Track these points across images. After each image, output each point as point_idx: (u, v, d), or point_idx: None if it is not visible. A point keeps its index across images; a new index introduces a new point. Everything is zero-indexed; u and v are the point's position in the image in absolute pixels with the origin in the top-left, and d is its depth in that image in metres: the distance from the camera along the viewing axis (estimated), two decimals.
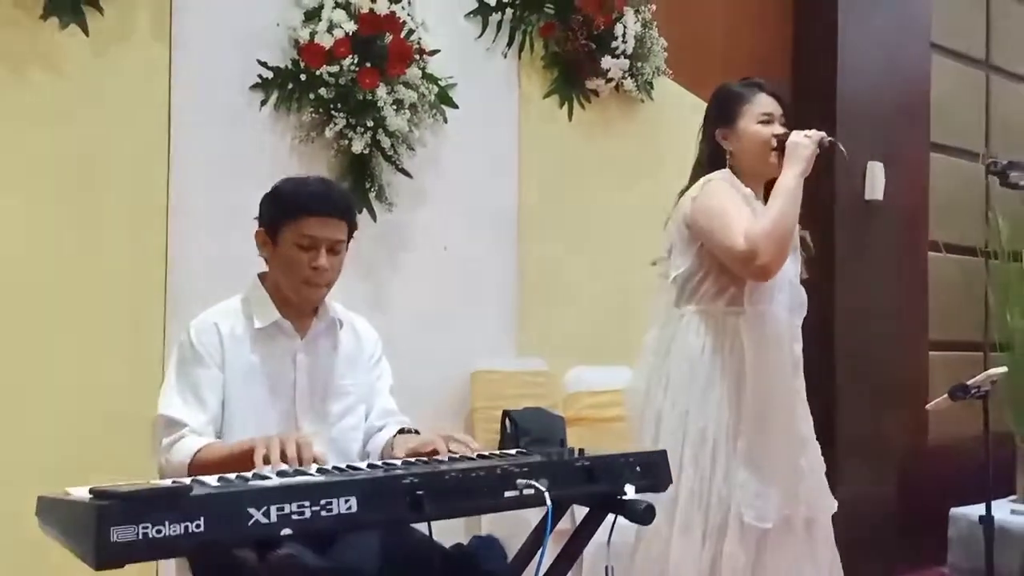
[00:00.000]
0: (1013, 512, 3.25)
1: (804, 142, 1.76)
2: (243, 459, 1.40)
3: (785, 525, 1.79)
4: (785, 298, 1.81)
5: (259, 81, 2.48)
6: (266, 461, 1.35)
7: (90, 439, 2.12)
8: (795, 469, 1.79)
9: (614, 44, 3.01)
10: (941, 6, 3.97)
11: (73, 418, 2.14)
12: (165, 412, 1.59)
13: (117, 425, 2.11)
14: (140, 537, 1.02)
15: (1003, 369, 2.30)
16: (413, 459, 1.47)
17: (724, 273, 1.80)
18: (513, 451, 1.55)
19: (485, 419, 2.71)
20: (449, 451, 1.53)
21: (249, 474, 1.28)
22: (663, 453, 1.48)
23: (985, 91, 4.26)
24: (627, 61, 3.05)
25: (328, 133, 2.51)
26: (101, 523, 1.00)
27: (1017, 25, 4.38)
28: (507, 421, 2.65)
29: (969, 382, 2.17)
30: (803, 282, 1.91)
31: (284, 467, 1.31)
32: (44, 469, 1.95)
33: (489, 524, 2.60)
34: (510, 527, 2.38)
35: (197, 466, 1.49)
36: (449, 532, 2.39)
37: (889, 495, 3.66)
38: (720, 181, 1.81)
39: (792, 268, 1.84)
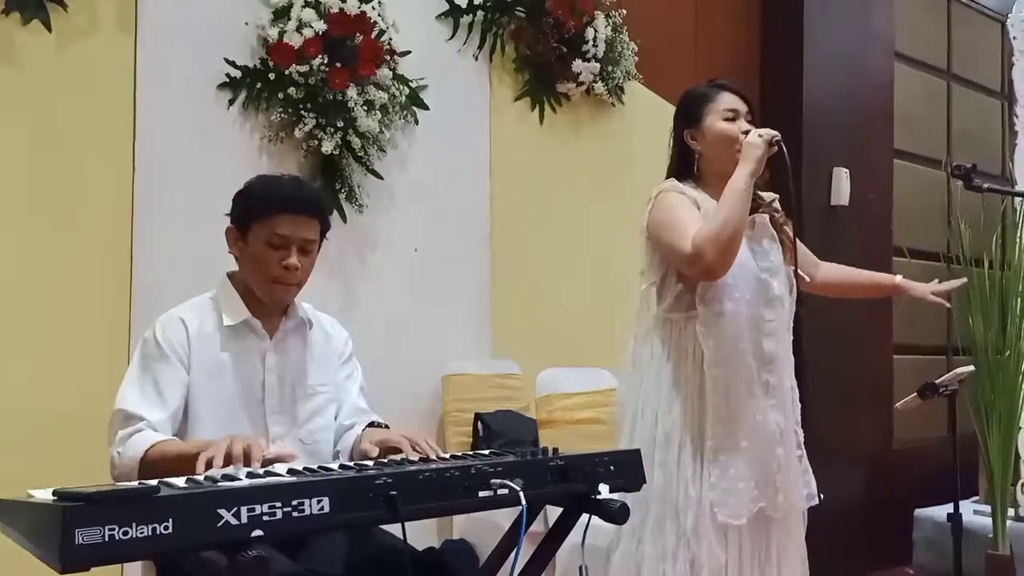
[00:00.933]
0: (976, 512, 3.32)
1: (756, 142, 1.77)
2: (195, 459, 1.37)
3: (761, 518, 1.80)
4: (750, 294, 1.81)
5: (227, 80, 2.45)
6: (209, 465, 1.32)
7: (53, 440, 2.07)
8: (768, 461, 1.80)
9: (585, 48, 3.03)
10: (904, 16, 4.06)
11: (35, 419, 2.09)
12: (122, 406, 1.55)
13: (81, 426, 2.05)
14: (106, 539, 0.99)
15: (970, 368, 2.35)
16: (386, 459, 1.46)
17: (681, 279, 1.82)
18: (486, 452, 1.54)
19: (456, 422, 2.70)
20: (415, 451, 1.51)
21: (218, 475, 1.25)
22: (636, 452, 1.49)
23: (947, 100, 4.36)
24: (598, 65, 3.07)
25: (297, 133, 2.49)
26: (66, 525, 0.97)
27: (977, 36, 4.49)
28: (479, 424, 2.64)
29: (937, 381, 2.22)
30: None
31: (227, 471, 1.28)
32: (4, 471, 1.89)
33: (461, 528, 2.59)
34: (482, 531, 2.37)
35: (149, 462, 1.46)
36: (422, 536, 2.38)
37: (855, 497, 3.70)
38: (668, 191, 1.84)
39: (759, 261, 1.84)
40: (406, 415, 2.55)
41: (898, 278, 2.10)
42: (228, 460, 1.34)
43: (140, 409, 1.53)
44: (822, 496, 1.92)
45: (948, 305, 2.09)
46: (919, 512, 3.41)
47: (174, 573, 1.50)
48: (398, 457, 1.51)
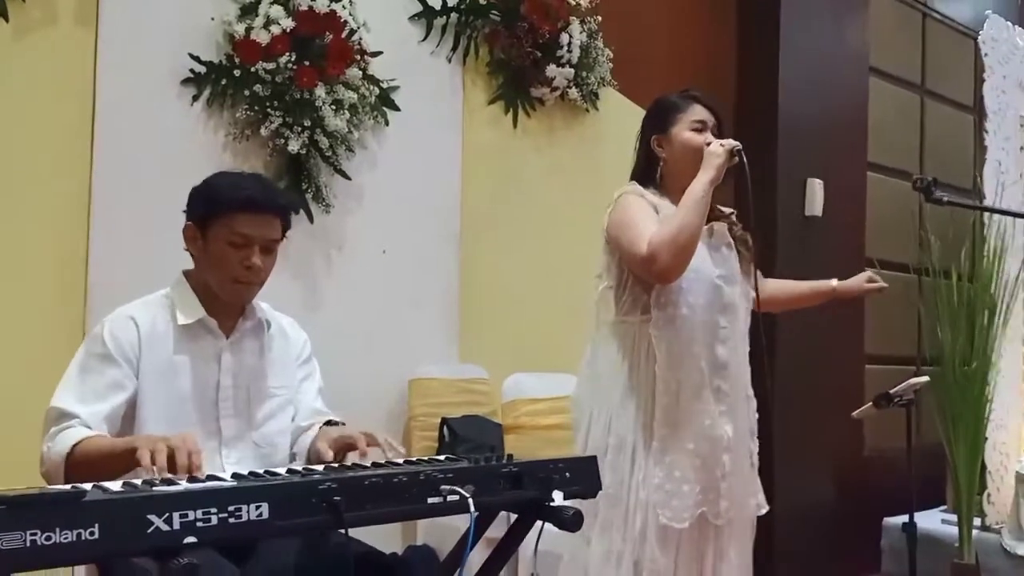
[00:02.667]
0: (943, 522, 3.33)
1: (717, 151, 1.78)
2: (124, 457, 1.33)
3: (703, 524, 1.79)
4: (704, 299, 1.81)
5: (191, 76, 2.40)
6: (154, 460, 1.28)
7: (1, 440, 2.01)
8: (713, 466, 1.80)
9: (559, 53, 3.02)
10: (879, 31, 4.10)
11: None
12: (56, 403, 1.50)
13: (30, 427, 1.99)
14: (27, 544, 0.95)
15: (924, 379, 2.36)
16: (336, 464, 1.42)
17: (638, 283, 1.82)
18: (442, 457, 1.51)
19: (423, 427, 2.66)
20: (369, 444, 1.47)
21: (157, 479, 1.21)
22: (592, 459, 1.46)
23: (920, 114, 4.40)
24: (572, 70, 3.06)
25: (263, 131, 2.45)
26: None
27: (950, 51, 4.54)
28: (445, 429, 2.60)
29: (892, 391, 2.22)
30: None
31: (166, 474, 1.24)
32: None
33: (425, 533, 2.55)
34: (447, 536, 2.33)
35: (76, 458, 1.41)
36: (386, 540, 2.34)
37: (825, 504, 3.71)
38: (630, 194, 1.85)
39: (716, 267, 1.84)
40: (372, 418, 2.51)
41: (833, 282, 2.09)
42: (171, 470, 1.29)
43: (74, 406, 1.48)
44: (767, 508, 1.92)
45: (885, 285, 2.08)
46: (887, 520, 3.42)
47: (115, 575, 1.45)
48: (352, 457, 1.48)
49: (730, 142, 1.79)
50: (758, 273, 1.94)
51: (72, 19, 2.23)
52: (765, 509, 1.92)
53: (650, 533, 1.73)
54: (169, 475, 1.25)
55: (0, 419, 2.05)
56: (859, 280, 2.09)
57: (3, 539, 0.94)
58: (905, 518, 2.33)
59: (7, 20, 2.13)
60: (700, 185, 1.75)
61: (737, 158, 1.78)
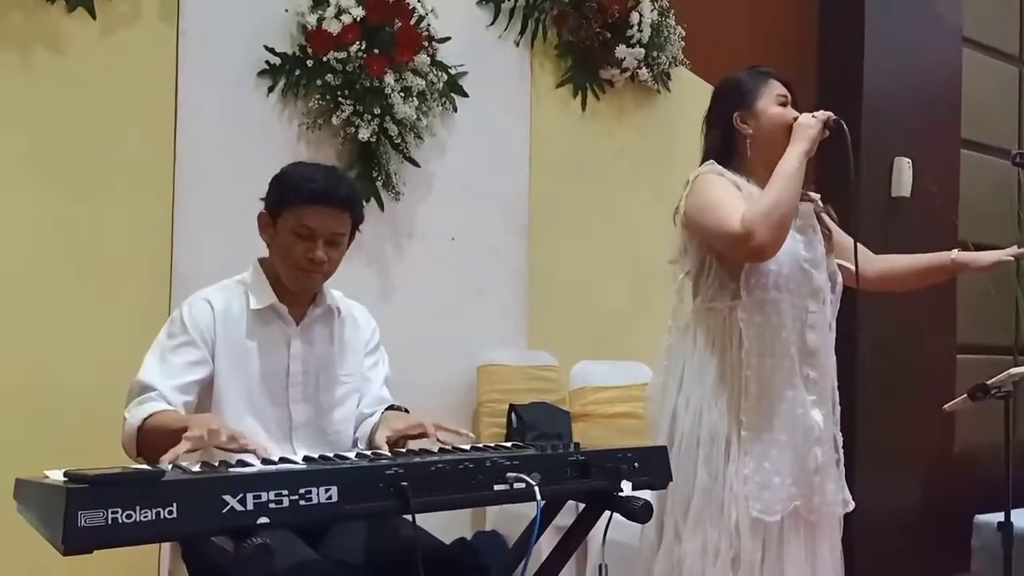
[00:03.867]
0: None
1: (810, 122, 1.71)
2: (179, 434, 1.35)
3: (796, 518, 1.72)
4: (794, 283, 1.74)
5: (266, 67, 2.45)
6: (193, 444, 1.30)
7: (89, 425, 2.11)
8: (806, 458, 1.73)
9: (629, 33, 2.95)
10: (973, 1, 3.85)
11: (74, 403, 2.13)
12: (139, 377, 1.55)
13: (119, 408, 2.09)
14: (109, 523, 0.99)
15: None
16: (403, 449, 1.43)
17: (724, 267, 1.75)
18: (508, 444, 1.50)
19: (491, 413, 2.67)
20: (438, 439, 1.48)
21: (233, 460, 1.25)
22: (662, 449, 1.43)
23: (1018, 88, 4.13)
24: (642, 50, 2.99)
25: (335, 120, 2.48)
26: (69, 507, 0.97)
27: None
28: (513, 416, 2.60)
29: (990, 382, 2.09)
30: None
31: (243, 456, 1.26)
32: (35, 450, 1.93)
33: (495, 520, 2.56)
34: (517, 523, 2.33)
35: (146, 430, 1.46)
36: (455, 526, 2.36)
37: (913, 501, 3.57)
38: (707, 174, 1.77)
39: (803, 251, 1.77)
40: (441, 405, 2.53)
41: (953, 253, 1.94)
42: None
43: (156, 380, 1.53)
44: (853, 505, 1.83)
45: (1012, 257, 1.90)
46: (979, 518, 3.25)
47: (194, 555, 1.51)
48: (420, 442, 1.49)
49: (823, 113, 1.72)
50: (867, 253, 1.84)
51: (155, 16, 2.31)
52: (852, 506, 1.83)
53: (742, 526, 1.66)
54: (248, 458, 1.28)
55: (91, 400, 2.14)
56: (989, 255, 1.92)
57: (85, 517, 0.97)
58: (1000, 516, 2.19)
59: (94, 18, 2.22)
60: (793, 158, 1.68)
61: (829, 131, 1.71)
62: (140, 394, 1.53)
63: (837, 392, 1.83)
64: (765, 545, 1.69)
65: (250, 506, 1.07)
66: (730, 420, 1.71)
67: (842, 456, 1.82)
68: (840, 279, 1.83)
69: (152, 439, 1.43)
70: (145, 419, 1.47)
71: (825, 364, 1.78)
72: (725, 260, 1.74)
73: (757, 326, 1.70)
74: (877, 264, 1.98)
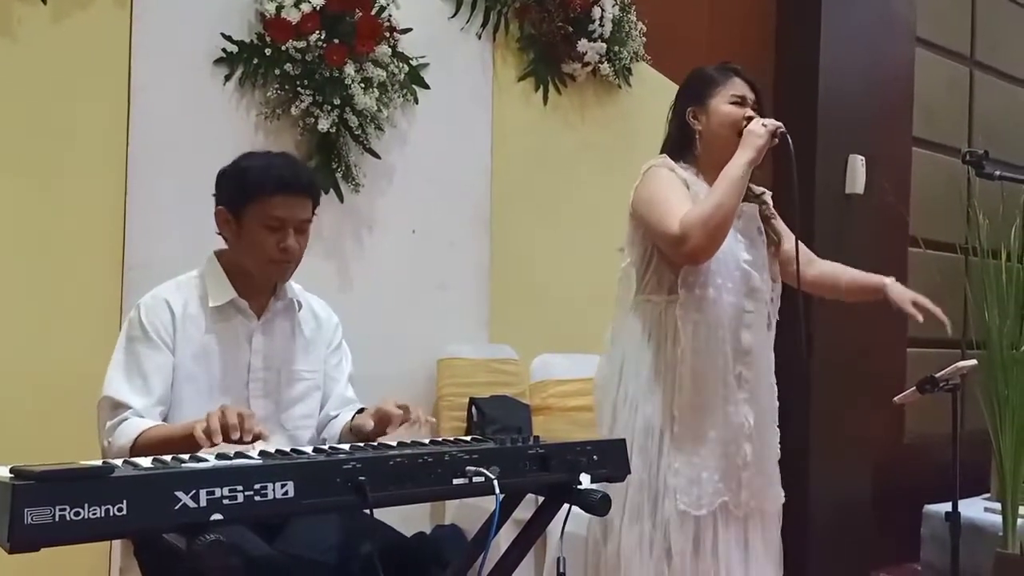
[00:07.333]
0: (986, 510, 3.24)
1: (759, 131, 1.73)
2: (187, 441, 1.35)
3: (723, 513, 1.76)
4: (732, 283, 1.77)
5: (223, 55, 2.40)
6: (210, 438, 1.30)
7: (40, 416, 2.06)
8: (734, 456, 1.76)
9: (591, 27, 2.96)
10: (926, 1, 3.94)
11: (24, 396, 2.08)
12: (108, 393, 1.53)
13: (72, 404, 2.04)
14: (56, 520, 0.97)
15: (972, 362, 2.28)
16: (362, 443, 1.42)
17: (664, 261, 1.77)
18: (468, 438, 1.50)
19: (451, 407, 2.66)
20: (401, 415, 1.50)
21: (186, 456, 1.22)
22: (621, 442, 1.44)
23: (969, 87, 4.24)
24: (604, 45, 3.00)
25: (294, 111, 2.44)
26: (15, 504, 0.95)
27: (1002, 21, 4.35)
28: (473, 409, 2.60)
29: (938, 375, 2.15)
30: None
31: (225, 447, 1.26)
32: None
33: (454, 514, 2.56)
34: (476, 517, 2.34)
35: (140, 448, 1.44)
36: (414, 521, 2.36)
37: (864, 491, 3.64)
38: (660, 168, 1.80)
39: (744, 252, 1.80)
40: (400, 398, 2.49)
41: (889, 280, 1.94)
42: (225, 433, 1.31)
43: (126, 397, 1.52)
44: (783, 499, 1.87)
45: (920, 319, 1.89)
46: (928, 508, 3.34)
47: (146, 553, 1.48)
48: (402, 429, 1.49)
49: (773, 122, 1.74)
50: (802, 249, 1.87)
51: (108, 1, 2.24)
52: (782, 499, 1.87)
53: (671, 519, 1.71)
54: (229, 441, 1.27)
55: (43, 397, 2.09)
56: (911, 297, 1.90)
57: (32, 514, 0.95)
58: (948, 506, 2.26)
59: (44, 2, 2.15)
60: (738, 166, 1.70)
61: (778, 140, 1.73)
62: (113, 413, 1.51)
63: (776, 390, 1.86)
64: (696, 539, 1.72)
65: (203, 502, 1.05)
66: (664, 414, 1.75)
67: (778, 452, 1.85)
68: (779, 281, 1.86)
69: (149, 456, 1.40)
70: (135, 439, 1.45)
71: (760, 363, 1.82)
72: (665, 255, 1.77)
73: (693, 323, 1.74)
74: (816, 266, 2.01)
